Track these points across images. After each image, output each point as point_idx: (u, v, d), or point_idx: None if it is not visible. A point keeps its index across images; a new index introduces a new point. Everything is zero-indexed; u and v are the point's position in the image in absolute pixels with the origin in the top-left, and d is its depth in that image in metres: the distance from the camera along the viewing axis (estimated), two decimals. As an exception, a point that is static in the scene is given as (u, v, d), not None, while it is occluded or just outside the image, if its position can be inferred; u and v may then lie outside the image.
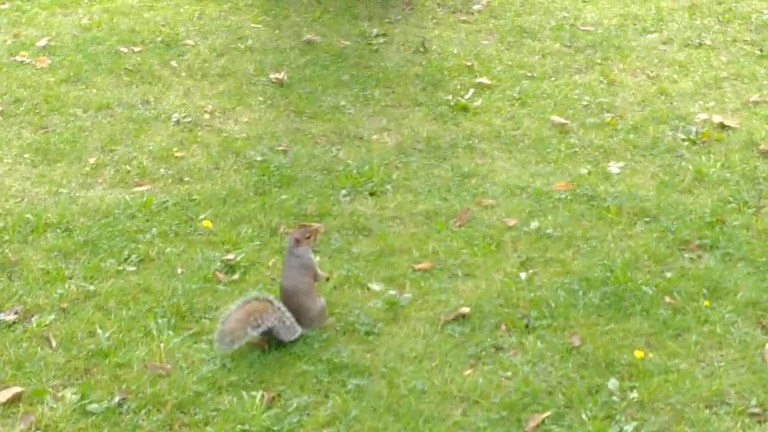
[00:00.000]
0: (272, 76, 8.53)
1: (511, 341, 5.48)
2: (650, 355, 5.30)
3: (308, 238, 5.51)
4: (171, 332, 5.48)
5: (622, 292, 5.81)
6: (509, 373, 5.24)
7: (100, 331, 5.45)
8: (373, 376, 5.21)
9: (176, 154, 7.30)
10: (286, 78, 8.48)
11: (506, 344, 5.46)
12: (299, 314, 5.45)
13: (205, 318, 5.62)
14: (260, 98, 8.20)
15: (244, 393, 5.04)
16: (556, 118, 7.88)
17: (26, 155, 7.27)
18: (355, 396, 5.06)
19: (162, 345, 5.38)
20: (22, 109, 7.93)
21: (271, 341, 5.38)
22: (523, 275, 6.00)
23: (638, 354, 5.28)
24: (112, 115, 7.89)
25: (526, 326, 5.59)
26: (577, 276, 5.98)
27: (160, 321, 5.55)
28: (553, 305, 5.71)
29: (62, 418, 4.88)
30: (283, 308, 5.37)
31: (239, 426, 4.84)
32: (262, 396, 5.02)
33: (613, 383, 5.12)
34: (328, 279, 5.75)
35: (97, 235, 6.29)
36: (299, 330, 5.42)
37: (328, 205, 6.66)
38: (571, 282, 5.92)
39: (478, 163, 7.27)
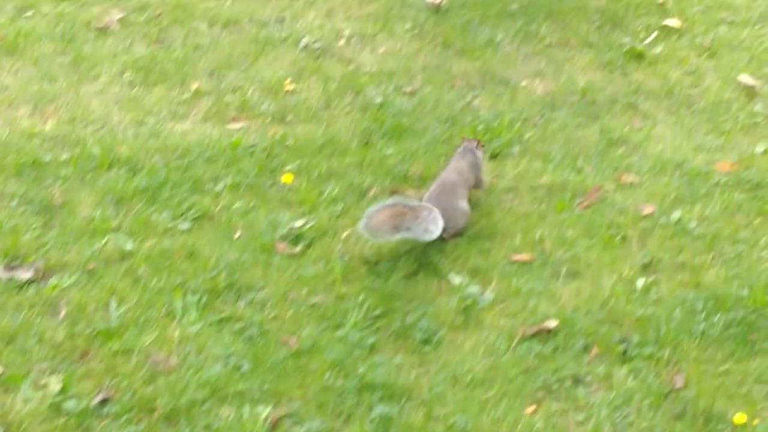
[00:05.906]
0: (429, 0, 7.45)
1: (597, 372, 4.42)
2: (755, 422, 4.13)
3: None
4: (196, 314, 4.66)
5: (755, 321, 4.65)
6: (580, 417, 4.20)
7: (113, 306, 4.69)
8: (412, 402, 4.26)
9: (287, 87, 6.40)
10: (444, 3, 7.39)
11: (590, 376, 4.41)
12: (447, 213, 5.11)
13: (241, 300, 4.77)
14: (408, 25, 7.16)
15: (247, 408, 4.17)
16: (744, 78, 6.52)
17: (126, 74, 6.51)
18: (378, 428, 4.12)
19: (177, 331, 4.56)
20: (143, 17, 7.13)
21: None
22: (640, 282, 4.89)
23: (739, 419, 4.12)
24: (238, 32, 7.01)
25: (624, 353, 4.52)
26: (706, 291, 4.82)
27: (189, 298, 4.74)
28: (663, 329, 4.60)
29: (30, 415, 4.13)
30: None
31: (225, 453, 3.98)
32: (267, 416, 4.15)
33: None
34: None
35: (162, 180, 5.50)
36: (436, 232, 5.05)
37: (436, 167, 5.64)
38: (696, 299, 4.78)
39: (635, 127, 6.09)
